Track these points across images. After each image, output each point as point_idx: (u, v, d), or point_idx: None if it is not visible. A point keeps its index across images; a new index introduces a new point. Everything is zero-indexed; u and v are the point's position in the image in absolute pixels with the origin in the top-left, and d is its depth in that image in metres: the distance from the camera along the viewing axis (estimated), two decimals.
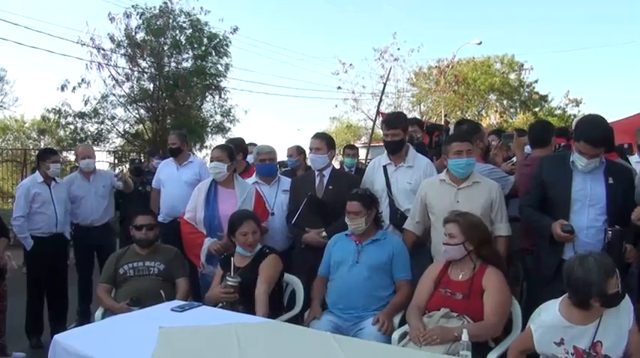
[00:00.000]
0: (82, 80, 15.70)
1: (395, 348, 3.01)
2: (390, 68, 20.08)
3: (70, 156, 16.87)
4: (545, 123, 5.08)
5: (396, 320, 3.65)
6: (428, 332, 3.12)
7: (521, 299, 4.10)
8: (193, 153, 14.54)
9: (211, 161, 4.56)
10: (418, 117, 21.06)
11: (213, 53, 16.93)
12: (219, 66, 17.27)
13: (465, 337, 2.51)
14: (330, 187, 4.54)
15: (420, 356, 2.78)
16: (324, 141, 4.70)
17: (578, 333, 2.69)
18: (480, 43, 26.15)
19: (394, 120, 4.51)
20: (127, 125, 17.25)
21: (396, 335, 3.39)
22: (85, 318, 5.80)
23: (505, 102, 31.64)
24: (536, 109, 31.59)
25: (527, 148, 4.69)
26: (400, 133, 4.38)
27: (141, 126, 17.18)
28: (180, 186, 5.74)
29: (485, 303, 3.20)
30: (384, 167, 4.48)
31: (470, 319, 3.18)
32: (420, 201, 4.08)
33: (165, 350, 2.63)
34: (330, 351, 2.61)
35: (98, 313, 4.19)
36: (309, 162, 5.58)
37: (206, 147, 17.52)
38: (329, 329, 3.37)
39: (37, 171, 5.76)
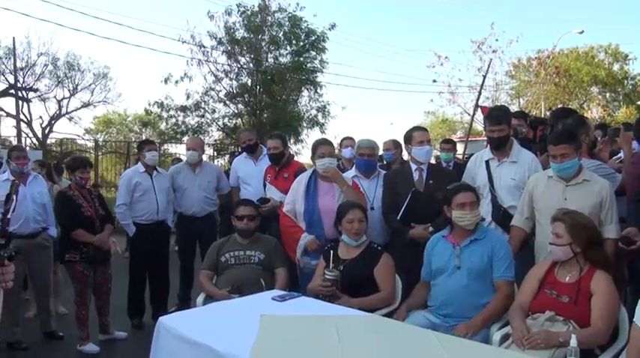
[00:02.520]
0: (185, 74, 16.33)
1: (499, 350, 2.92)
2: (490, 60, 19.45)
3: (171, 148, 17.66)
4: None
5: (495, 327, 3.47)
6: (532, 335, 2.99)
7: (625, 304, 3.86)
8: (289, 147, 14.81)
9: (322, 157, 4.51)
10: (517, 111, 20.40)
11: (311, 49, 17.10)
12: (315, 61, 17.45)
13: (573, 342, 2.39)
14: (431, 182, 4.45)
15: None
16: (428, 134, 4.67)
17: None
18: (582, 32, 24.89)
19: (499, 115, 4.38)
20: (226, 119, 17.77)
21: (497, 336, 3.27)
22: (185, 303, 6.06)
23: (608, 95, 29.97)
24: None
25: (635, 144, 4.41)
26: (506, 128, 4.26)
27: (239, 120, 17.63)
28: (262, 180, 5.77)
29: (593, 308, 3.02)
30: (487, 162, 4.36)
31: (576, 324, 3.02)
32: (527, 196, 3.93)
33: (267, 337, 2.68)
34: (431, 348, 2.57)
35: (200, 298, 4.35)
36: (405, 156, 5.51)
37: (300, 141, 17.77)
38: (425, 326, 3.29)
39: (139, 162, 6.04)
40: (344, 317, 3.05)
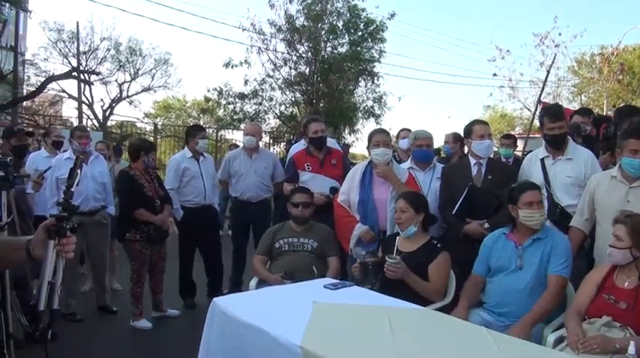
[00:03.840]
0: (245, 61, 16.51)
1: (554, 352, 2.85)
2: (555, 55, 18.94)
3: (228, 134, 17.91)
4: None
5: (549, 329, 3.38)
6: (588, 339, 2.91)
7: None
8: (343, 138, 14.74)
9: (376, 146, 4.47)
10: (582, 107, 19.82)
11: (369, 39, 17.02)
12: (373, 51, 17.36)
13: (631, 350, 2.32)
14: (490, 177, 4.37)
15: None
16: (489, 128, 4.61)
17: None
18: None
19: (558, 112, 4.29)
20: (283, 107, 17.93)
21: (551, 338, 3.20)
22: (236, 286, 6.16)
23: None
24: None
25: None
26: (564, 125, 4.17)
27: (295, 108, 17.74)
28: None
29: None
30: (542, 160, 4.26)
31: (633, 331, 2.93)
32: (588, 196, 3.82)
33: (319, 325, 2.70)
34: (484, 346, 2.53)
35: (253, 282, 4.42)
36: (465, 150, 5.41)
37: (355, 131, 17.74)
38: (478, 324, 3.22)
39: (186, 147, 6.14)
40: (396, 309, 3.04)
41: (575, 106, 22.12)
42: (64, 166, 5.33)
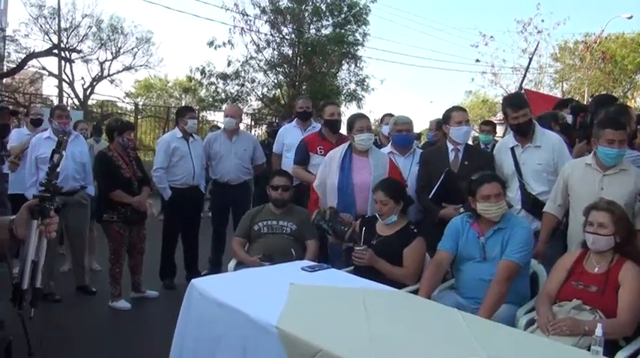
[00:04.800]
0: (228, 41, 16.42)
1: (523, 333, 2.92)
2: (538, 42, 19.04)
3: (209, 115, 17.82)
4: None
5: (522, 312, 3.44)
6: (557, 321, 2.98)
7: None
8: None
9: (360, 131, 4.45)
10: (559, 95, 19.99)
11: (353, 21, 16.99)
12: (357, 34, 17.35)
13: (598, 332, 2.38)
14: (466, 163, 4.42)
15: (550, 344, 2.66)
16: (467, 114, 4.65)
17: None
18: (631, 17, 24.04)
19: (520, 100, 4.38)
20: (265, 89, 17.85)
21: (523, 320, 3.27)
22: (216, 267, 6.20)
23: None
24: None
25: None
26: (528, 112, 4.21)
27: (278, 90, 17.69)
28: None
29: (620, 299, 3.00)
30: (512, 149, 4.32)
31: (602, 314, 3.01)
32: (562, 182, 3.89)
33: (295, 306, 2.74)
34: (456, 327, 2.59)
35: (231, 264, 4.44)
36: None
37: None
38: (452, 306, 3.27)
39: (177, 127, 6.13)
40: (371, 291, 3.10)
41: (556, 93, 22.38)
42: (44, 145, 5.31)
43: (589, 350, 2.46)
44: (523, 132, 4.24)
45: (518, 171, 4.23)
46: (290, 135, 6.09)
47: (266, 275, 3.47)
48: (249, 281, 3.31)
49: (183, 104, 23.95)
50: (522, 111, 4.19)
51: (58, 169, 1.92)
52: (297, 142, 5.55)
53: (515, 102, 4.34)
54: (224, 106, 16.53)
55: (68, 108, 8.55)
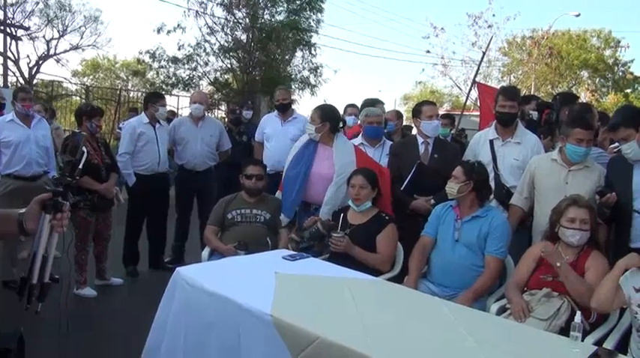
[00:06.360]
0: (178, 25, 16.15)
1: (504, 320, 3.06)
2: (492, 37, 19.54)
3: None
4: (635, 108, 4.78)
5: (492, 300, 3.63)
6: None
7: None
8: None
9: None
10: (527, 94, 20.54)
11: (307, 8, 16.98)
12: (311, 21, 17.35)
13: (577, 319, 2.53)
14: (436, 156, 4.58)
15: (533, 332, 2.79)
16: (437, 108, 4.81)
17: None
18: (579, 14, 25.05)
19: (514, 92, 4.56)
20: (218, 73, 17.63)
21: (494, 308, 3.43)
22: (179, 255, 6.18)
23: (597, 80, 30.28)
24: (628, 91, 30.09)
25: None
26: (516, 106, 4.40)
27: (230, 75, 17.51)
28: (285, 141, 5.88)
29: (587, 279, 3.19)
30: (491, 141, 4.48)
31: (571, 300, 3.18)
32: (528, 176, 4.08)
33: (285, 294, 2.80)
34: (440, 315, 2.71)
35: (205, 253, 4.45)
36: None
37: (292, 101, 17.73)
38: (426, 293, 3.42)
39: (144, 112, 6.06)
40: (353, 280, 3.19)
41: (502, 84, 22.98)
42: (6, 129, 5.17)
43: (562, 332, 2.66)
44: (505, 122, 4.43)
45: (495, 163, 4.39)
46: (269, 124, 6.34)
47: (249, 264, 3.50)
48: (234, 269, 3.35)
49: (129, 86, 23.47)
50: (512, 102, 4.39)
51: (80, 166, 1.91)
52: (277, 132, 6.02)
53: (509, 92, 4.54)
54: (174, 90, 16.36)
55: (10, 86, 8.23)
